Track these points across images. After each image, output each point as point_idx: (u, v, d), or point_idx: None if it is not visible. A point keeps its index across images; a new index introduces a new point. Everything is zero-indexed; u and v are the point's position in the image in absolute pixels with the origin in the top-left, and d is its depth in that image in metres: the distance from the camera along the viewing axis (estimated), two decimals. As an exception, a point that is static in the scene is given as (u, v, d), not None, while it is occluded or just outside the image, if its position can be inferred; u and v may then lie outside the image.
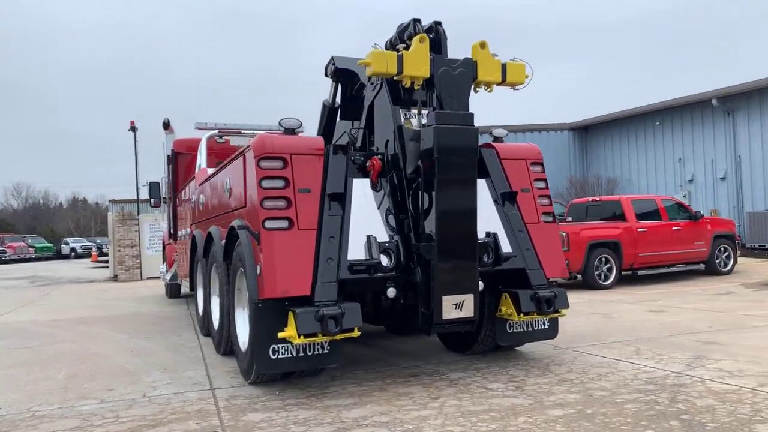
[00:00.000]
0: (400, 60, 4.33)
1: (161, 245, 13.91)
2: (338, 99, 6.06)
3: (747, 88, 19.93)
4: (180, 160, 10.95)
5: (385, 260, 4.52)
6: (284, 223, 4.39)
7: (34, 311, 11.60)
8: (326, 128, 6.13)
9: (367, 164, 4.86)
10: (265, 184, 4.43)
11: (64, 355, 6.58)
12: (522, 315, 4.83)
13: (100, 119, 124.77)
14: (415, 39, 4.41)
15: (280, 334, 4.24)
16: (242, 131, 10.63)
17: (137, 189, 19.74)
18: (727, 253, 13.71)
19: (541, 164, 5.52)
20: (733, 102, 20.68)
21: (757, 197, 20.30)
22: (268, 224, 4.35)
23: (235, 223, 4.96)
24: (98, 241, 57.52)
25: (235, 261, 5.10)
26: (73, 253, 52.42)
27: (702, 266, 13.68)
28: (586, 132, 27.01)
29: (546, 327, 5.32)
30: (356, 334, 4.26)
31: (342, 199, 4.55)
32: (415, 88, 4.62)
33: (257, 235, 4.38)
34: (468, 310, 4.49)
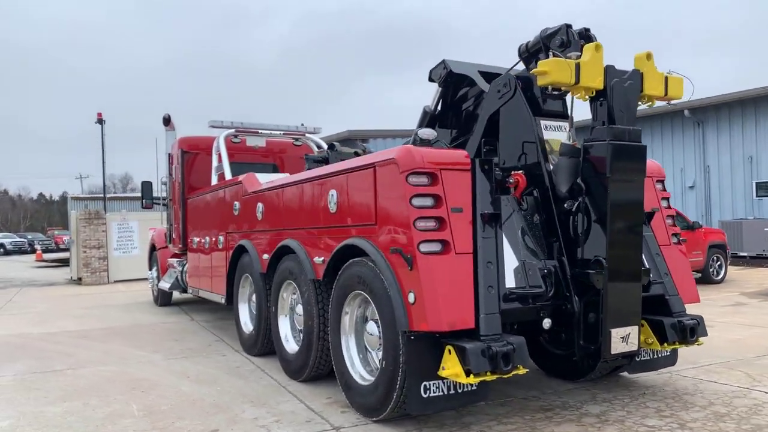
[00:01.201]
0: (576, 69, 3.94)
1: (149, 248, 12.94)
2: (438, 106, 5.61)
3: (717, 101, 20.63)
4: (187, 159, 10.14)
5: (541, 288, 4.13)
6: (438, 247, 3.92)
7: (13, 322, 10.50)
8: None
9: (509, 180, 4.45)
10: (417, 202, 3.94)
11: (111, 383, 5.83)
12: (666, 344, 4.54)
13: (23, 107, 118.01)
14: (590, 47, 4.03)
15: (443, 372, 3.78)
16: (259, 131, 9.96)
17: (104, 186, 18.40)
18: (719, 263, 14.06)
19: (663, 181, 5.27)
20: (704, 114, 21.38)
21: (725, 206, 21.07)
22: (424, 248, 3.86)
23: (356, 241, 4.43)
24: (29, 236, 54.14)
25: (350, 283, 4.57)
26: (2, 249, 49.12)
27: (698, 275, 13.97)
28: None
29: (668, 354, 5.07)
30: (523, 371, 3.84)
31: (496, 219, 4.11)
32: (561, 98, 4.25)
33: (409, 260, 3.88)
34: (633, 343, 4.15)
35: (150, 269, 12.72)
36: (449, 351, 3.78)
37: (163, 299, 12.09)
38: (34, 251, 50.56)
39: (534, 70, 4.09)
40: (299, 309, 5.76)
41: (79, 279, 17.74)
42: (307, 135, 10.34)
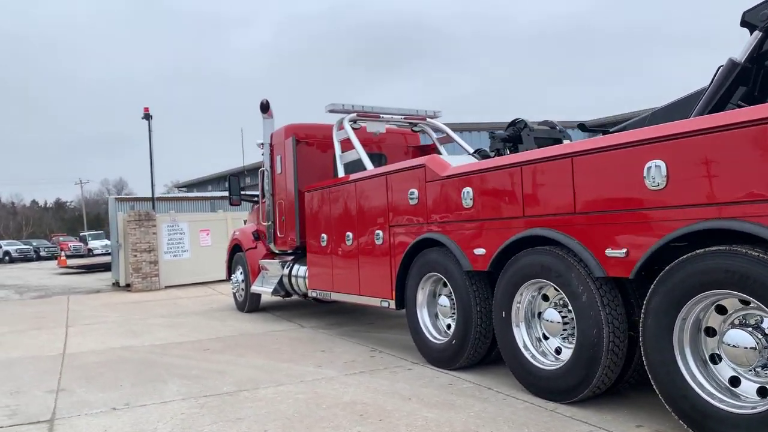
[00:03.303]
0: None
1: (229, 250, 11.80)
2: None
3: None
4: (300, 150, 9.06)
5: None
6: None
7: (97, 333, 9.36)
8: (723, 97, 4.63)
9: None
10: None
11: (321, 408, 4.73)
12: None
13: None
14: None
15: None
16: (381, 115, 8.91)
17: (152, 185, 17.21)
18: None
19: None
20: None
21: None
22: None
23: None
24: (34, 243, 52.52)
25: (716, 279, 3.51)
26: (7, 257, 47.59)
27: None
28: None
29: None
30: None
31: None
32: None
33: None
34: None
35: (232, 273, 11.59)
36: None
37: (251, 305, 10.98)
38: (39, 258, 49.26)
39: None
40: (551, 314, 4.73)
41: (127, 285, 16.56)
42: (428, 120, 9.29)
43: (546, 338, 4.93)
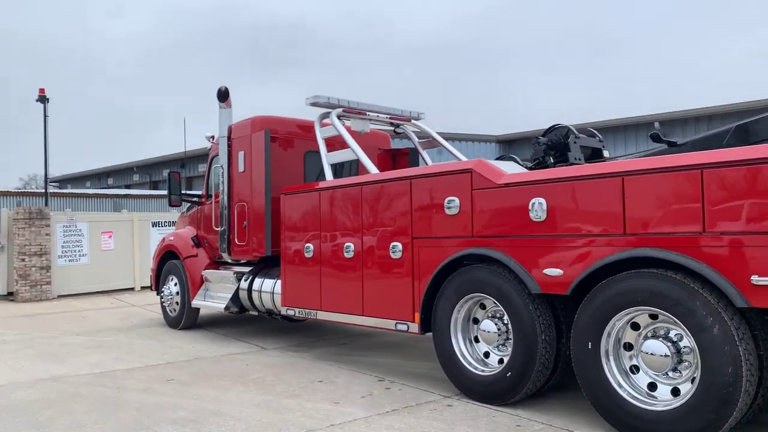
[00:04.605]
0: None
1: (158, 258, 10.20)
2: None
3: (684, 115, 21.25)
4: (273, 147, 7.94)
5: None
6: None
7: (1, 359, 7.62)
8: None
9: None
10: None
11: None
12: None
13: None
14: None
15: None
16: (367, 113, 8.04)
17: (46, 178, 14.80)
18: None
19: None
20: (671, 126, 21.92)
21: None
22: None
23: None
24: None
25: None
26: None
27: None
28: (511, 146, 27.04)
29: None
30: None
31: None
32: None
33: None
34: None
35: (162, 284, 10.07)
36: None
37: (187, 321, 9.58)
38: None
39: None
40: (654, 346, 4.17)
41: (10, 294, 14.16)
42: (412, 121, 8.54)
43: (636, 371, 4.36)
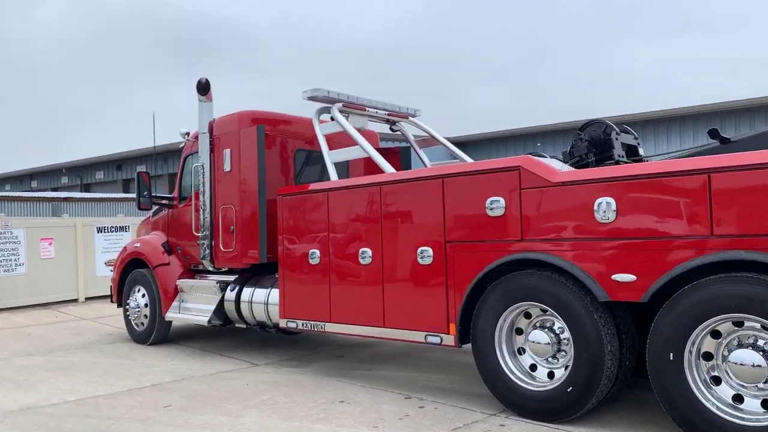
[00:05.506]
0: None
1: (121, 266, 9.22)
2: None
3: (642, 117, 21.79)
4: (267, 143, 7.26)
5: None
6: None
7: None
8: None
9: None
10: None
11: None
12: None
13: None
14: None
15: None
16: (367, 108, 7.52)
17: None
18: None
19: None
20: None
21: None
22: None
23: None
24: None
25: None
26: None
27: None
28: (464, 147, 26.90)
29: None
30: None
31: None
32: None
33: None
34: None
35: (127, 296, 9.13)
36: None
37: (158, 335, 8.70)
38: None
39: None
40: (745, 356, 3.88)
41: None
42: (410, 118, 8.08)
43: (718, 383, 4.06)
